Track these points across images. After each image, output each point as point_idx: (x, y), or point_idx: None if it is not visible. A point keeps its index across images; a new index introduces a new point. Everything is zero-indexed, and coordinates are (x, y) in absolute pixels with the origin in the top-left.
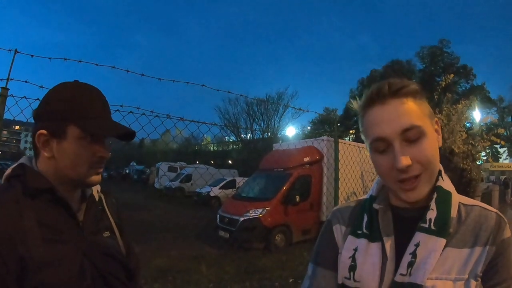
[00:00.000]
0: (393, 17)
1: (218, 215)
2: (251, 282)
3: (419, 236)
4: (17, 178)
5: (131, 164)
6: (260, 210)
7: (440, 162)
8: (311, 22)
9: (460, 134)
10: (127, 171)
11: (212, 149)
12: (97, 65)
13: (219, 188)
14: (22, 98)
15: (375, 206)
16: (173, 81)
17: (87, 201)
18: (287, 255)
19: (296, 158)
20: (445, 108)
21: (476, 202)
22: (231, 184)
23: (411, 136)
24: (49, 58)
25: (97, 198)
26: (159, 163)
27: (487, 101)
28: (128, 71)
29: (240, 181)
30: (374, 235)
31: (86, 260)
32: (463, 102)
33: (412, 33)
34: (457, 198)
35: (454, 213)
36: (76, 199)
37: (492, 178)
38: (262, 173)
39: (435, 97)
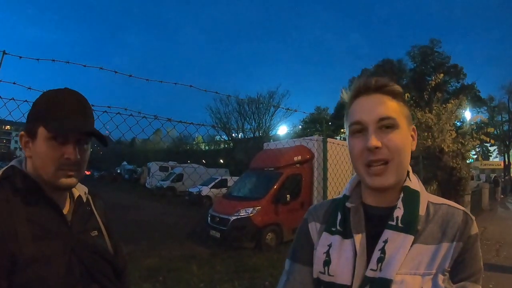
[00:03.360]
0: (384, 16)
1: (209, 215)
2: (241, 281)
3: (387, 233)
4: (7, 179)
5: (122, 164)
6: (251, 209)
7: (430, 161)
8: (302, 21)
9: (450, 133)
10: (118, 171)
11: (203, 148)
12: (85, 66)
13: (211, 188)
14: (10, 99)
15: (348, 204)
16: (161, 81)
17: (74, 202)
18: (278, 254)
19: (287, 157)
20: (435, 107)
21: (445, 200)
22: (223, 184)
23: (386, 124)
24: (37, 59)
25: (84, 200)
26: (150, 163)
27: (477, 100)
28: (116, 72)
29: (231, 180)
30: (347, 232)
31: (74, 257)
32: (452, 101)
33: (403, 32)
34: (426, 197)
35: (422, 211)
36: (64, 200)
37: (483, 176)
38: (252, 173)
39: (425, 96)
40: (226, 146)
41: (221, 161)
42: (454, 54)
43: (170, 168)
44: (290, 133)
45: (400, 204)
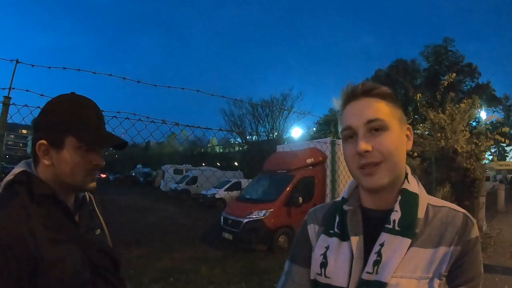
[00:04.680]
0: (397, 16)
1: (221, 217)
2: (251, 283)
3: (383, 237)
4: (22, 185)
5: (137, 167)
6: (263, 211)
7: (444, 162)
8: (315, 23)
9: (463, 133)
10: (133, 174)
11: (217, 151)
12: (94, 73)
13: (224, 190)
14: (23, 106)
15: (345, 207)
16: (169, 87)
17: (80, 203)
18: None
19: (299, 159)
20: (448, 108)
21: (445, 203)
22: (236, 186)
23: (374, 126)
24: (49, 67)
25: (88, 199)
26: (165, 166)
27: (493, 100)
28: (124, 78)
29: (245, 183)
30: (345, 235)
31: (83, 256)
32: (465, 101)
33: (416, 31)
34: (425, 199)
35: (421, 214)
36: (72, 202)
37: (499, 177)
38: (265, 175)
39: (438, 96)
40: (240, 148)
41: (236, 163)
42: (468, 52)
43: (184, 171)
44: (304, 135)
45: (397, 207)
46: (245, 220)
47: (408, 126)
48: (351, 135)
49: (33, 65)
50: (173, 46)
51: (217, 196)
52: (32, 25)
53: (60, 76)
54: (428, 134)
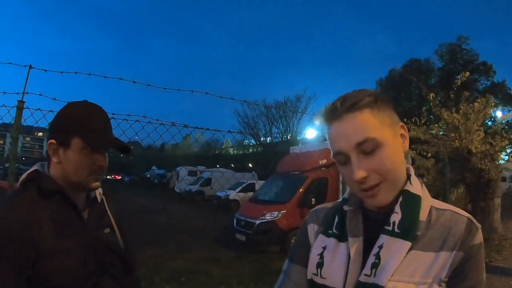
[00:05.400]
0: (411, 14)
1: (235, 218)
2: (261, 284)
3: (383, 239)
4: (32, 182)
5: (152, 168)
6: (276, 213)
7: (458, 162)
8: (328, 23)
9: (478, 133)
10: (148, 175)
11: (231, 152)
12: (105, 77)
13: (238, 192)
14: (36, 110)
15: (345, 208)
16: (178, 90)
17: (90, 202)
18: None
19: (312, 161)
20: (462, 107)
21: (449, 206)
22: (250, 187)
23: (366, 148)
24: (61, 72)
25: (99, 200)
26: (179, 167)
27: (508, 98)
28: (134, 81)
29: (258, 184)
30: (343, 236)
31: (89, 251)
32: (479, 100)
33: (431, 29)
34: (429, 202)
35: (423, 216)
36: (81, 200)
37: None
38: (278, 176)
39: (452, 95)
40: (254, 150)
41: (250, 165)
42: (483, 51)
43: (198, 172)
44: (318, 136)
45: (397, 208)
46: (258, 222)
47: (402, 124)
48: (344, 161)
49: (45, 70)
50: (186, 48)
51: (231, 197)
52: (45, 30)
53: (72, 80)
54: (442, 134)
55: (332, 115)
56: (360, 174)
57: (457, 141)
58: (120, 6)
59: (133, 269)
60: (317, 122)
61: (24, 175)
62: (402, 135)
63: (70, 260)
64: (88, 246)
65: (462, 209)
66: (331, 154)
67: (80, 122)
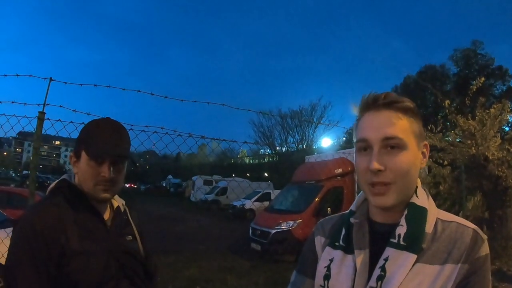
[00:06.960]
0: (425, 19)
1: (250, 228)
2: None
3: (388, 251)
4: (59, 190)
5: (168, 177)
6: (292, 222)
7: (474, 170)
8: (343, 31)
9: (494, 139)
10: (164, 184)
11: (247, 162)
12: (123, 89)
13: (254, 201)
14: (57, 121)
15: (352, 220)
16: (195, 101)
17: (114, 211)
18: None
19: (327, 170)
20: (478, 113)
21: (455, 217)
22: (266, 197)
23: (391, 143)
24: (81, 84)
25: (122, 210)
26: (195, 177)
27: None
28: (152, 94)
29: (274, 193)
30: (350, 248)
31: (111, 256)
32: (495, 106)
33: (445, 35)
34: (435, 214)
35: (429, 229)
36: (105, 209)
37: None
38: (294, 186)
39: (467, 102)
40: (270, 159)
41: (265, 174)
42: (498, 55)
43: (214, 182)
44: (334, 145)
45: (403, 221)
46: (274, 231)
47: (426, 143)
48: (365, 148)
49: (65, 83)
50: (202, 58)
51: (246, 206)
52: (64, 41)
53: (92, 92)
54: (458, 141)
55: (372, 105)
56: (377, 165)
57: (473, 148)
58: (138, 18)
59: (153, 276)
60: (354, 109)
61: (53, 184)
62: (423, 153)
63: (93, 261)
64: (110, 251)
65: (479, 217)
66: (354, 140)
67: (87, 135)
